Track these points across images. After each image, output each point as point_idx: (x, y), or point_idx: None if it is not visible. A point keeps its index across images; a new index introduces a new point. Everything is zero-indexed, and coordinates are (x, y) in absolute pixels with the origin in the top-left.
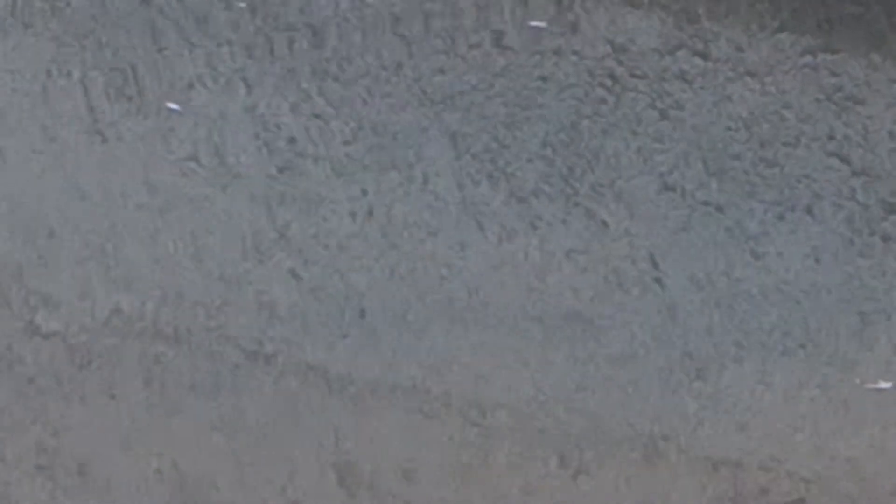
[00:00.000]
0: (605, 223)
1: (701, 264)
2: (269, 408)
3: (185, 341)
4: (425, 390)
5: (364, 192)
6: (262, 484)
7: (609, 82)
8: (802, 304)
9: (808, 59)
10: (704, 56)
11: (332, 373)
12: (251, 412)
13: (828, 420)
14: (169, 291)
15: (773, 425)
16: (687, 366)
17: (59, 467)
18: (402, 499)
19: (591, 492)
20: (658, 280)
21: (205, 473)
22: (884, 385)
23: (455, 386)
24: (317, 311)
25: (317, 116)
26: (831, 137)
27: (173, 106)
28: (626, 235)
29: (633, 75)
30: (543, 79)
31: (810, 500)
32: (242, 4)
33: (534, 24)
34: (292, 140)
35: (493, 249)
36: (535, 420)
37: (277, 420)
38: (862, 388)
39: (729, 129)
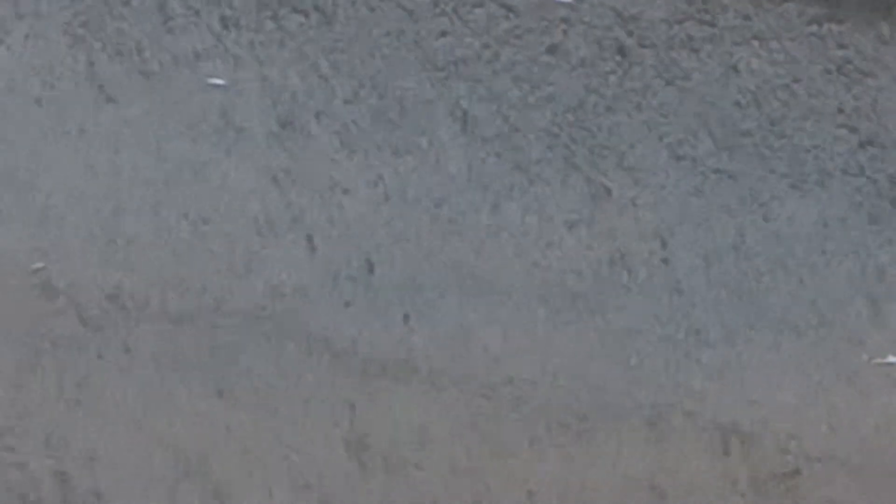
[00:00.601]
0: (611, 194)
1: (710, 235)
2: (277, 380)
3: (192, 315)
4: (433, 363)
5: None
6: (269, 457)
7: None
8: (811, 279)
9: (814, 28)
10: (712, 25)
11: (338, 344)
12: (257, 384)
13: (836, 394)
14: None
15: (782, 399)
16: (694, 340)
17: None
18: (414, 463)
19: (597, 459)
20: (665, 258)
21: (209, 447)
22: (893, 359)
23: (463, 357)
24: (322, 279)
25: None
26: (840, 109)
27: (218, 81)
28: (633, 206)
29: (641, 45)
30: (552, 49)
31: (807, 472)
32: None
33: None
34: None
35: (496, 221)
36: (541, 392)
37: (286, 392)
38: (871, 364)
39: (737, 101)
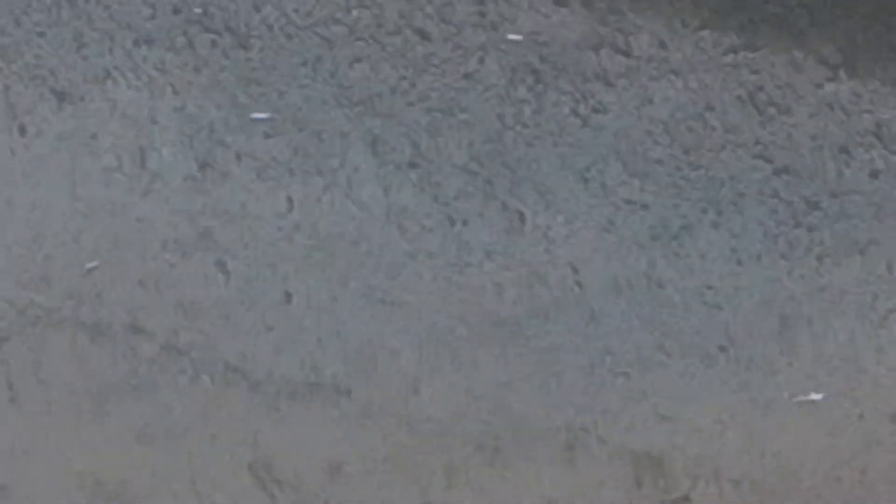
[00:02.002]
0: (525, 224)
1: (622, 265)
2: (189, 406)
3: (106, 336)
4: (349, 390)
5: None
6: (179, 484)
7: (533, 83)
8: (724, 307)
9: (730, 57)
10: (627, 53)
11: (252, 372)
12: (170, 411)
13: (750, 420)
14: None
15: (695, 425)
16: (609, 365)
17: None
18: (325, 498)
19: (515, 486)
20: (578, 282)
21: (121, 474)
22: (815, 397)
23: (380, 385)
24: (239, 306)
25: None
26: (756, 140)
27: (261, 115)
28: (546, 237)
29: (556, 75)
30: (468, 77)
31: (717, 496)
32: (198, 10)
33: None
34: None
35: (412, 248)
36: (458, 419)
37: (197, 419)
38: (791, 402)
39: (650, 129)
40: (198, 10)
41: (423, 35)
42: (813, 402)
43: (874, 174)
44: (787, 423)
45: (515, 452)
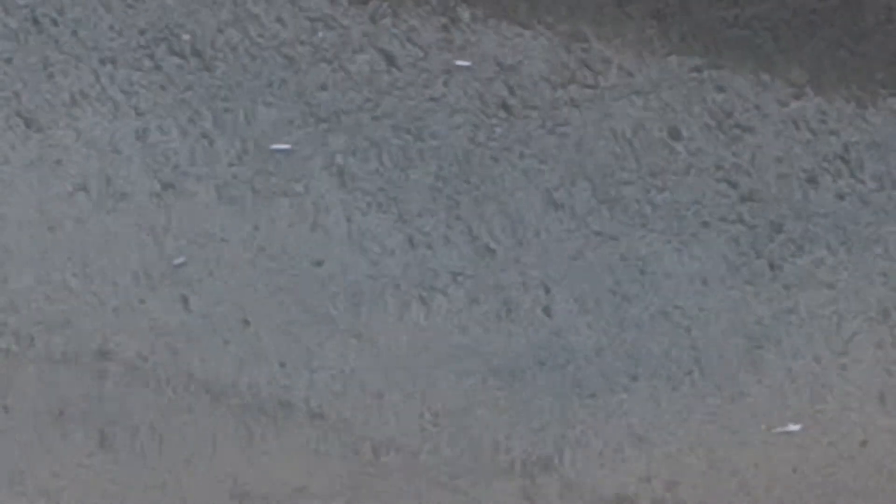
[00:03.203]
0: (492, 250)
1: (590, 288)
2: (156, 426)
3: (73, 360)
4: (311, 412)
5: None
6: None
7: (499, 107)
8: (691, 332)
9: (695, 80)
10: (593, 79)
11: (218, 389)
12: (137, 430)
13: (716, 444)
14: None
15: (662, 448)
16: (577, 391)
17: None
18: None
19: None
20: (547, 308)
21: (87, 494)
22: (793, 427)
23: (342, 408)
24: (201, 329)
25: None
26: (719, 165)
27: (281, 146)
28: (515, 262)
29: (522, 100)
30: (433, 100)
31: None
32: (186, 37)
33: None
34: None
35: (377, 273)
36: (422, 444)
37: (164, 438)
38: (770, 433)
39: (617, 154)
40: (186, 37)
41: (389, 60)
42: (790, 432)
43: (840, 197)
44: (763, 453)
45: (480, 477)
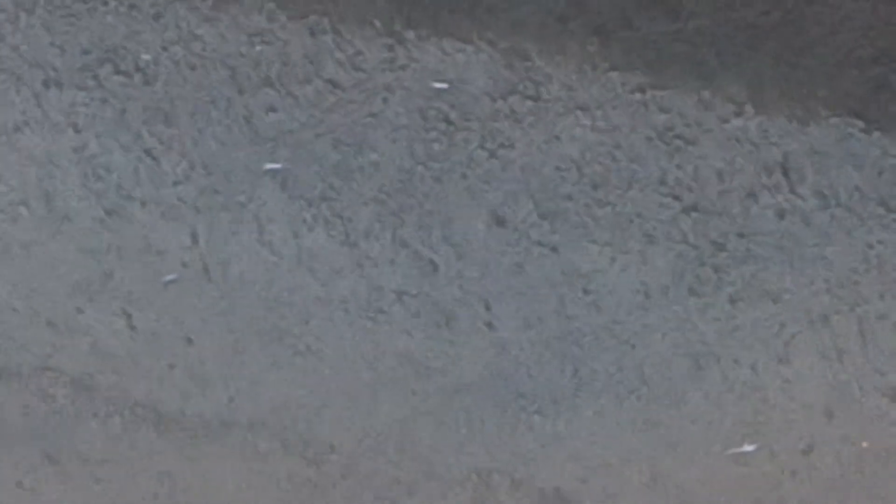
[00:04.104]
0: (435, 265)
1: (533, 304)
2: (99, 447)
3: (16, 380)
4: (258, 430)
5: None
6: None
7: (441, 124)
8: (635, 347)
9: (638, 96)
10: (535, 95)
11: (162, 411)
12: (82, 452)
13: (658, 458)
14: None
15: (603, 461)
16: (520, 405)
17: None
18: None
19: None
20: (489, 322)
21: None
22: (749, 448)
23: (289, 425)
24: (145, 348)
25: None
26: (662, 179)
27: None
28: (457, 277)
29: (464, 116)
30: (374, 116)
31: None
32: (147, 57)
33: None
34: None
35: (323, 290)
36: (367, 460)
37: (107, 460)
38: (724, 455)
39: (559, 168)
40: (146, 57)
41: (332, 82)
42: (745, 452)
43: (782, 212)
44: (706, 467)
45: (422, 489)
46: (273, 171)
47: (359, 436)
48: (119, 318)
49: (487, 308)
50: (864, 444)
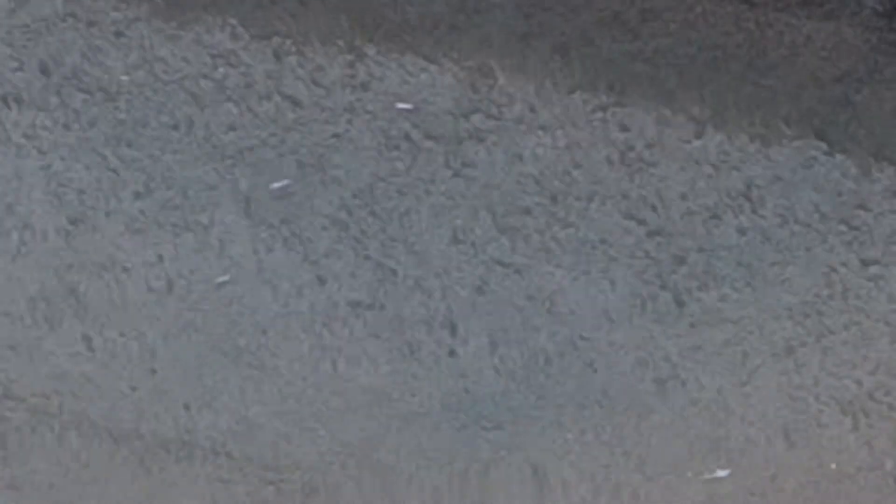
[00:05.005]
0: (397, 282)
1: (496, 324)
2: (57, 469)
3: None
4: (220, 450)
5: (158, 255)
6: None
7: (403, 143)
8: (598, 368)
9: (600, 116)
10: (498, 115)
11: (120, 431)
12: (39, 474)
13: (622, 472)
14: None
15: (561, 480)
16: (481, 427)
17: None
18: None
19: None
20: (451, 346)
21: None
22: (721, 473)
23: (248, 446)
24: (106, 369)
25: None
26: (624, 196)
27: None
28: (419, 293)
29: (427, 135)
30: (337, 136)
31: None
32: (125, 77)
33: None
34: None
35: (282, 307)
36: (329, 477)
37: (65, 481)
38: (698, 480)
39: (521, 186)
40: (125, 78)
41: (294, 101)
42: (719, 479)
43: (743, 233)
44: (670, 488)
45: None
46: (282, 189)
47: (319, 456)
48: (77, 335)
49: (451, 328)
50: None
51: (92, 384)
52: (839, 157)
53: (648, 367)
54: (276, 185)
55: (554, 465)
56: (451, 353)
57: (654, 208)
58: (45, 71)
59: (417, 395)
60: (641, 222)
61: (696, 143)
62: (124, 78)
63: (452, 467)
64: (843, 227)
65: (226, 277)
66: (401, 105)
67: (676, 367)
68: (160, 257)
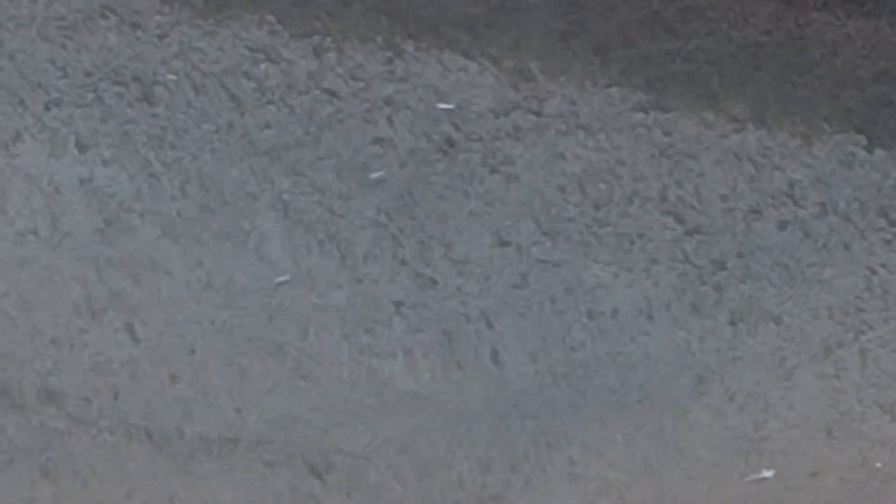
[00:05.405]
0: (436, 283)
1: (535, 325)
2: (100, 469)
3: (16, 401)
4: (261, 445)
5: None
6: None
7: (444, 143)
8: (637, 366)
9: (640, 116)
10: (537, 112)
11: (163, 427)
12: (81, 474)
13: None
14: None
15: (607, 482)
16: (521, 424)
17: None
18: None
19: None
20: (491, 338)
21: None
22: (767, 474)
23: (291, 441)
24: (147, 364)
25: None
26: (663, 195)
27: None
28: (458, 295)
29: (467, 136)
30: (376, 136)
31: None
32: (172, 77)
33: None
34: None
35: (323, 306)
36: (371, 473)
37: (109, 482)
38: (743, 481)
39: (561, 186)
40: (172, 77)
41: (333, 96)
42: (765, 479)
43: (784, 232)
44: (711, 485)
45: None
46: (379, 179)
47: (363, 451)
48: (122, 333)
49: (490, 326)
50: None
51: (133, 382)
52: (879, 154)
53: (687, 365)
54: (374, 175)
55: (595, 463)
56: (492, 351)
57: (693, 207)
58: (83, 69)
59: (457, 392)
60: (681, 220)
61: (737, 140)
62: (171, 77)
63: (493, 464)
64: (883, 224)
65: (285, 277)
66: (442, 105)
67: (715, 366)
68: (199, 258)
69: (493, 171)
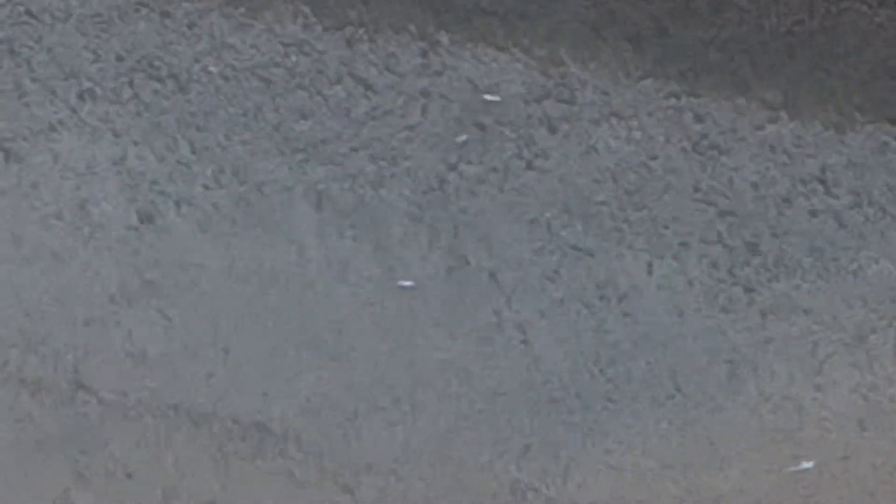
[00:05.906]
0: (470, 270)
1: (568, 311)
2: (135, 454)
3: (50, 389)
4: (294, 434)
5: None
6: None
7: (476, 131)
8: (669, 355)
9: (672, 103)
10: (570, 102)
11: (196, 415)
12: (117, 460)
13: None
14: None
15: (638, 472)
16: (555, 413)
17: None
18: None
19: None
20: (525, 329)
21: None
22: (806, 465)
23: (324, 430)
24: (181, 355)
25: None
26: (697, 183)
27: (406, 283)
28: (492, 280)
29: (500, 123)
30: (410, 128)
31: None
32: (213, 69)
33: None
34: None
35: (358, 297)
36: (403, 470)
37: (144, 467)
38: (783, 472)
39: (594, 175)
40: (213, 70)
41: (367, 87)
42: (805, 470)
43: (817, 220)
44: (742, 476)
45: (461, 500)
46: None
47: (394, 446)
48: (157, 324)
49: (523, 315)
50: None
51: (169, 368)
52: None
53: (719, 356)
54: (459, 139)
55: (629, 454)
56: (524, 341)
57: (726, 195)
58: (118, 59)
59: (490, 382)
60: (714, 208)
61: (770, 129)
62: (213, 70)
63: (527, 454)
64: None
65: (410, 282)
66: (488, 97)
67: (747, 356)
68: (234, 253)
69: (526, 161)
